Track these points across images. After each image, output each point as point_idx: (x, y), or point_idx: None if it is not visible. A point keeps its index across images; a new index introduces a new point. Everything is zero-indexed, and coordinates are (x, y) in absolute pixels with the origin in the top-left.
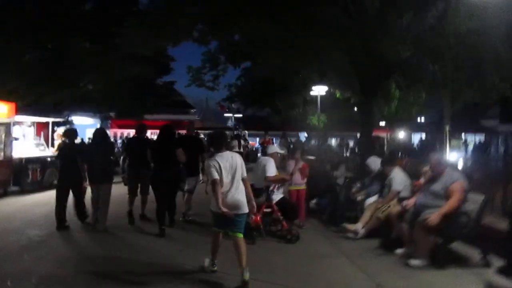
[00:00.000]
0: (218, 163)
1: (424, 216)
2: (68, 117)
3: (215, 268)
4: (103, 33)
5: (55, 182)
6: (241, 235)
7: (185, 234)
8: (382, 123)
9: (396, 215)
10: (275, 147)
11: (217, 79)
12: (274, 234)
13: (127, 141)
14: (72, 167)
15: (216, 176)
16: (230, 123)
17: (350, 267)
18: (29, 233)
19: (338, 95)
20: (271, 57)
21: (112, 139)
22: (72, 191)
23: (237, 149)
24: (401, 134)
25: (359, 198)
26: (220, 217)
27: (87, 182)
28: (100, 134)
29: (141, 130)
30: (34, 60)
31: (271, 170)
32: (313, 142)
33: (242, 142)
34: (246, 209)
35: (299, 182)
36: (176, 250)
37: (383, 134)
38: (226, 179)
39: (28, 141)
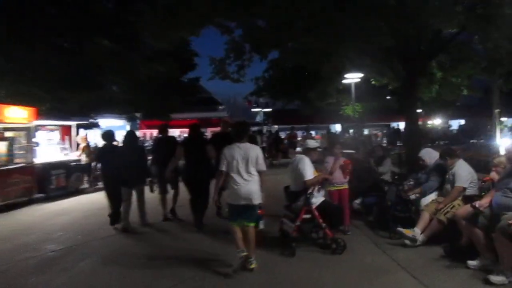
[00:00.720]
0: (231, 153)
1: (507, 220)
2: (94, 120)
3: (244, 255)
4: (122, 30)
5: (82, 187)
6: (252, 225)
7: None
8: (418, 110)
9: (465, 217)
10: (310, 142)
11: (242, 70)
12: (317, 243)
13: (154, 142)
14: (112, 168)
15: (223, 168)
16: (258, 118)
17: (412, 284)
18: (44, 248)
19: (374, 81)
20: (300, 44)
21: (142, 140)
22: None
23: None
24: (437, 121)
25: (413, 197)
26: (234, 208)
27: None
28: (130, 136)
29: (163, 130)
30: (55, 64)
31: (308, 172)
32: (348, 134)
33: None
34: (257, 201)
35: (341, 181)
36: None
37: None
38: (238, 170)
39: (52, 146)
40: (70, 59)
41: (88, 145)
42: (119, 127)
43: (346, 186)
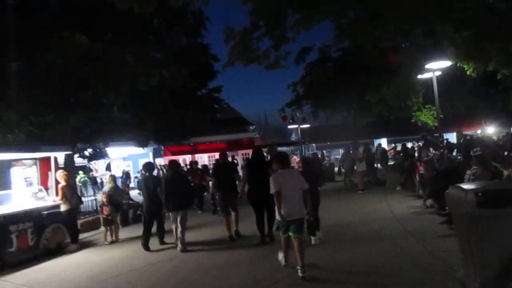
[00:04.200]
0: (280, 178)
1: None
2: (86, 149)
3: (286, 263)
4: (104, 22)
5: (66, 241)
6: (300, 235)
7: None
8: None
9: None
10: None
11: (281, 45)
12: None
13: (214, 166)
14: (153, 197)
15: (277, 188)
16: (294, 137)
17: None
18: None
19: (469, 70)
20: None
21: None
22: (155, 218)
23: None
24: (490, 129)
25: None
26: (284, 222)
27: (165, 210)
28: (173, 165)
29: (223, 156)
30: (26, 77)
31: None
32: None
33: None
34: (302, 215)
35: None
36: None
37: (469, 132)
38: (286, 190)
39: (27, 188)
40: (44, 70)
41: (69, 185)
42: (141, 155)
43: None
